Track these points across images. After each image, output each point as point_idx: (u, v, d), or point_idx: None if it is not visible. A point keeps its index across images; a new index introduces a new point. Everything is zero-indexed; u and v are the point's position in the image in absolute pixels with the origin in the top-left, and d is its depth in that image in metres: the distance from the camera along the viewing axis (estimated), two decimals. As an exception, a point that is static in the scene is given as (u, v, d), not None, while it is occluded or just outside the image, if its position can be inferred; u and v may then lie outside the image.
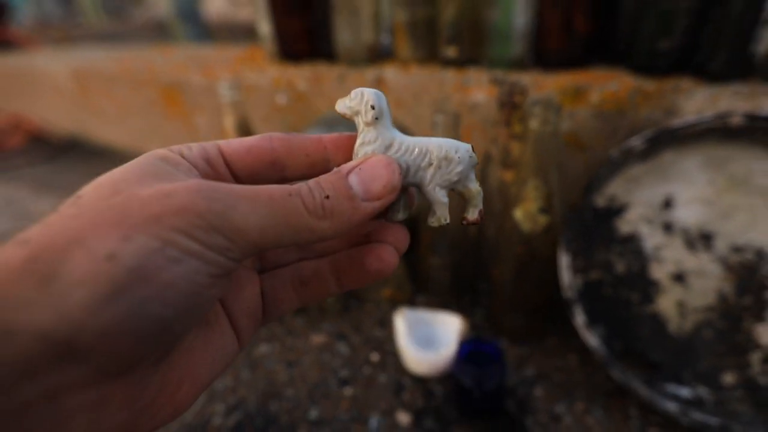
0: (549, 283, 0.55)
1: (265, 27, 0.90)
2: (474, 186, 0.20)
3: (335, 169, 0.18)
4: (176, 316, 0.14)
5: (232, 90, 0.67)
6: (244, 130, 0.78)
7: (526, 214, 0.48)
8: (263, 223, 0.15)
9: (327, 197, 0.17)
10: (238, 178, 0.19)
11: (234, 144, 0.19)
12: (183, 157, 0.18)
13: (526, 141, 0.47)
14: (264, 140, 0.20)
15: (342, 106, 0.20)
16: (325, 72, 0.81)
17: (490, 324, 0.61)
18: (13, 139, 1.58)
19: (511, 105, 0.51)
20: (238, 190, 0.15)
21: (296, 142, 0.20)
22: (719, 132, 0.48)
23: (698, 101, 0.54)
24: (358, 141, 0.20)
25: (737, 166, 0.49)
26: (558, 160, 0.49)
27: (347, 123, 0.71)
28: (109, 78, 1.16)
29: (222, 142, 0.19)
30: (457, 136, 0.54)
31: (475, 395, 0.46)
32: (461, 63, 0.72)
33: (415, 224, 0.63)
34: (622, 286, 0.54)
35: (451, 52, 0.71)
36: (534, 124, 0.45)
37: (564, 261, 0.53)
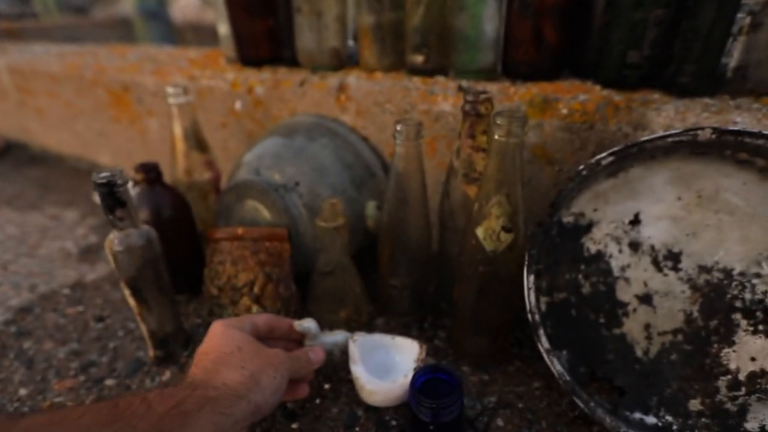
0: (513, 305, 0.52)
1: (224, 28, 0.86)
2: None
3: (304, 349, 0.47)
4: None
5: (178, 93, 0.62)
6: (196, 137, 0.72)
7: (489, 232, 0.45)
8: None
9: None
10: (259, 334, 0.46)
11: (261, 319, 0.47)
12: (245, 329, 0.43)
13: (489, 151, 0.44)
14: (272, 319, 0.48)
15: (299, 326, 0.50)
16: (286, 77, 0.77)
17: (451, 348, 0.57)
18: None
19: (475, 114, 0.47)
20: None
21: (282, 323, 0.49)
22: (688, 146, 0.46)
23: (667, 114, 0.52)
24: (307, 342, 0.51)
25: (706, 183, 0.48)
26: (524, 175, 0.46)
27: (303, 133, 0.67)
28: (51, 77, 1.08)
29: (256, 319, 0.46)
30: (419, 147, 0.51)
31: (431, 429, 0.42)
32: (429, 72, 0.69)
33: (374, 242, 0.59)
34: (589, 308, 0.51)
35: (418, 59, 0.68)
36: (498, 135, 0.42)
37: (528, 282, 0.49)
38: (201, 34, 3.28)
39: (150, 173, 0.60)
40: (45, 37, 2.40)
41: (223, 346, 0.37)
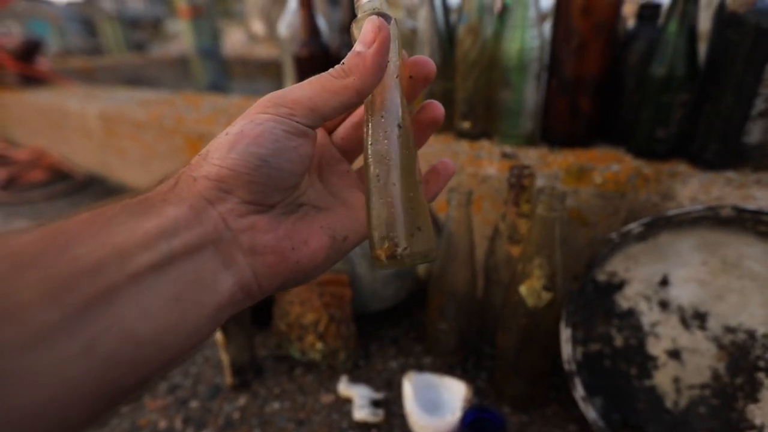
0: (551, 353, 0.58)
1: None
2: None
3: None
4: (267, 152, 0.22)
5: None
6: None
7: (531, 290, 0.52)
8: (309, 94, 0.22)
9: (343, 64, 0.23)
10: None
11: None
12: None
13: (532, 220, 0.51)
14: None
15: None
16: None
17: (493, 389, 0.63)
18: (34, 173, 1.64)
19: (519, 186, 0.55)
20: (292, 86, 0.23)
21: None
22: (711, 219, 0.52)
23: (693, 187, 0.58)
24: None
25: (729, 250, 0.53)
26: (562, 238, 0.53)
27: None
28: (136, 123, 1.23)
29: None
30: (469, 212, 0.58)
31: (479, 463, 0.49)
32: (474, 135, 0.77)
33: (423, 288, 0.67)
34: (621, 359, 0.57)
35: (465, 125, 0.76)
36: (540, 209, 0.49)
37: (565, 334, 0.56)
38: (248, 67, 3.55)
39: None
40: (113, 74, 2.65)
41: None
